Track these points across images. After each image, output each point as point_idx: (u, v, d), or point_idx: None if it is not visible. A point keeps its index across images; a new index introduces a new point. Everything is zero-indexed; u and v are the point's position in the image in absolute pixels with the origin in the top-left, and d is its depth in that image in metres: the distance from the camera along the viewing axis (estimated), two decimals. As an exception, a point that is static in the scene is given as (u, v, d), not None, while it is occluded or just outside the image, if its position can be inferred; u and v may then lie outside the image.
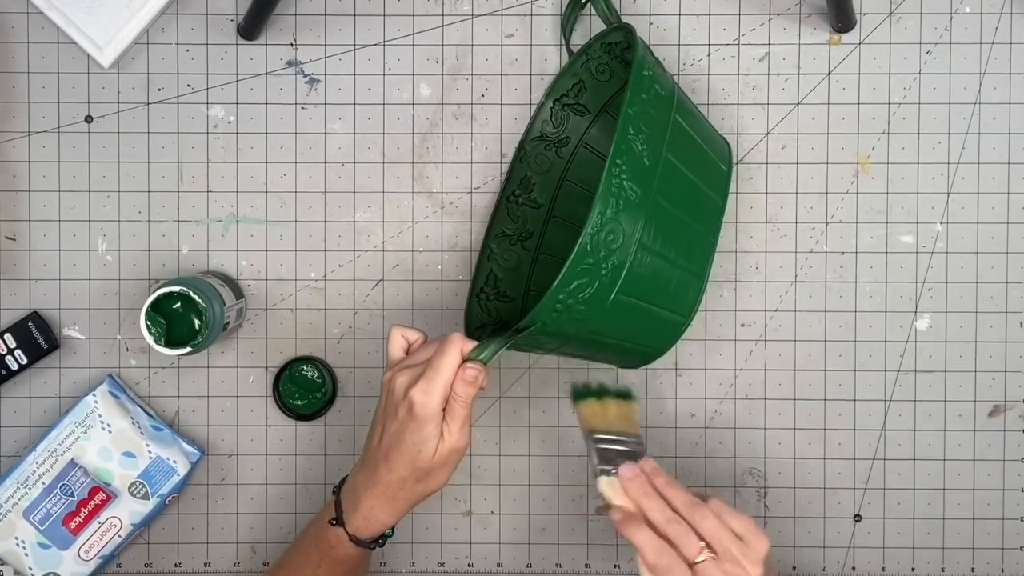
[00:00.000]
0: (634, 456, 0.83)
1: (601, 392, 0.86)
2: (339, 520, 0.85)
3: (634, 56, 0.83)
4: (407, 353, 0.85)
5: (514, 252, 0.98)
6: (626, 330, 0.85)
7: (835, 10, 0.95)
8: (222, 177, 0.99)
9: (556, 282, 0.78)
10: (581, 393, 0.86)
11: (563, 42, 0.96)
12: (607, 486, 0.81)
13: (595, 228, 0.78)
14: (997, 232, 0.98)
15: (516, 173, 0.98)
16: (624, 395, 0.87)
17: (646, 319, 0.85)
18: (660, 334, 0.87)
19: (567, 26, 0.95)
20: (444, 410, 0.80)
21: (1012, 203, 0.98)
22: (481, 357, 0.80)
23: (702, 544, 0.77)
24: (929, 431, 0.99)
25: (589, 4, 0.94)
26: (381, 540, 0.86)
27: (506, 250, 0.97)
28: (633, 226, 0.80)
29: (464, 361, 0.80)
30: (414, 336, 0.85)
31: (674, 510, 0.79)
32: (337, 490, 0.87)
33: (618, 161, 0.79)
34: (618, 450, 0.83)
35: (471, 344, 0.81)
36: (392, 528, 0.86)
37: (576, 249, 0.78)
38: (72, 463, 0.95)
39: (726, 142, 0.92)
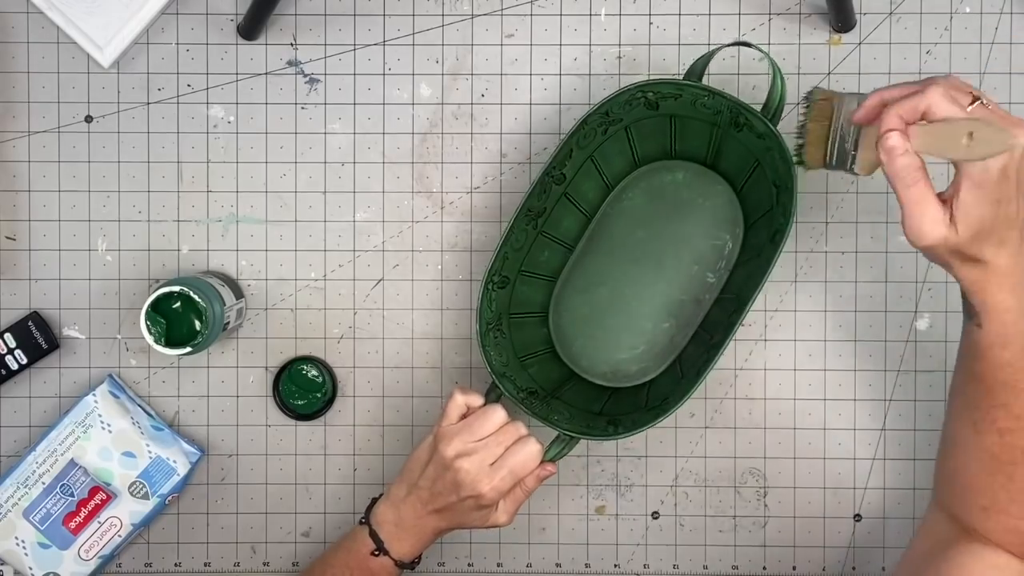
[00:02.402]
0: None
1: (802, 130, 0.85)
2: (382, 550, 0.88)
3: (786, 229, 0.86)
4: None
5: (526, 231, 0.94)
6: None
7: (835, 10, 0.95)
8: (222, 177, 0.99)
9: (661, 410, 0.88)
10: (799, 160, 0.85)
11: (689, 74, 0.91)
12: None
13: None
14: (997, 232, 0.98)
15: (566, 145, 0.92)
16: (808, 105, 0.85)
17: None
18: None
19: (706, 59, 0.90)
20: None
21: (1012, 203, 0.98)
22: (552, 457, 0.89)
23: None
24: (929, 431, 0.99)
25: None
26: (412, 566, 0.91)
27: (522, 229, 0.93)
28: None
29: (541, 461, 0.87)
30: (477, 403, 0.88)
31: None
32: (365, 520, 0.90)
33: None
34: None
35: (540, 449, 0.87)
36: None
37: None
38: (72, 463, 0.95)
39: None
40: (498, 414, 0.86)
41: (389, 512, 0.89)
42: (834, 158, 0.83)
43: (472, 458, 0.85)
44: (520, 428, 0.87)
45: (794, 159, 0.86)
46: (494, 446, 0.86)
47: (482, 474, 0.85)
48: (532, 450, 0.86)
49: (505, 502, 0.88)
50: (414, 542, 0.89)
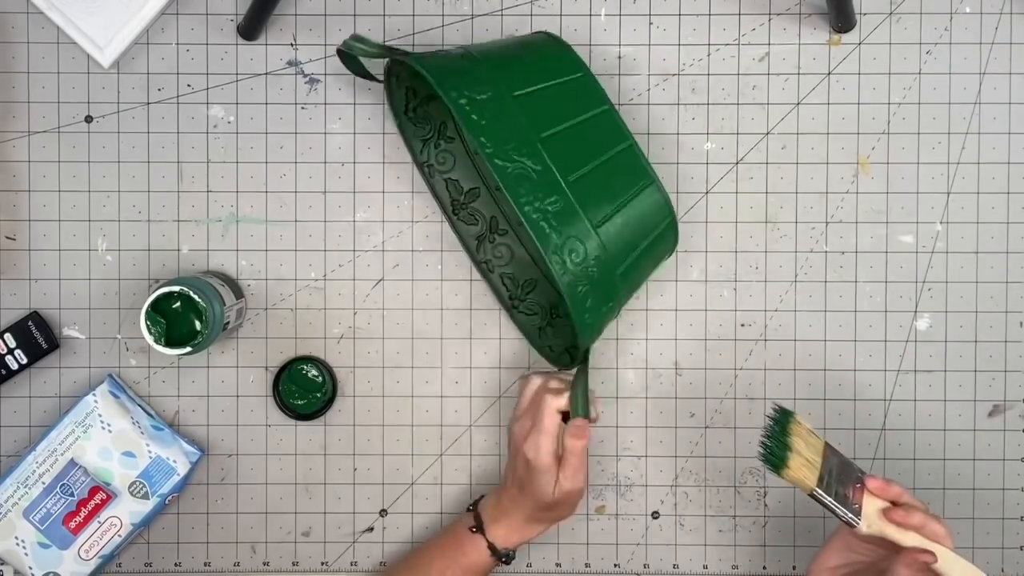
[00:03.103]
0: (848, 471, 0.84)
1: (784, 439, 0.84)
2: (480, 529, 0.92)
3: (452, 105, 0.82)
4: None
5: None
6: (645, 269, 0.91)
7: (835, 10, 0.95)
8: (222, 177, 0.99)
9: (576, 328, 0.85)
10: (776, 463, 0.83)
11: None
12: (874, 520, 0.82)
13: (561, 268, 0.82)
14: (997, 232, 0.98)
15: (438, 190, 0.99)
16: (785, 420, 0.85)
17: (648, 254, 0.89)
18: (664, 246, 0.92)
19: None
20: (560, 458, 0.89)
21: (1012, 203, 0.98)
22: (580, 412, 0.88)
23: None
24: (929, 431, 0.99)
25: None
26: (506, 558, 0.92)
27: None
28: (579, 225, 0.83)
29: (565, 416, 0.89)
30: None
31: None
32: (473, 506, 0.94)
33: (521, 198, 0.81)
34: (839, 488, 0.83)
35: (562, 399, 0.89)
36: (515, 549, 0.93)
37: (566, 294, 0.82)
38: (72, 463, 0.95)
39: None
40: (532, 381, 0.92)
41: (492, 497, 0.93)
42: (830, 493, 0.82)
43: (518, 422, 0.91)
44: (546, 396, 0.90)
45: (765, 455, 0.83)
46: (532, 408, 0.91)
47: (521, 433, 0.90)
48: (549, 403, 0.89)
49: (563, 470, 0.88)
50: (509, 527, 0.91)
